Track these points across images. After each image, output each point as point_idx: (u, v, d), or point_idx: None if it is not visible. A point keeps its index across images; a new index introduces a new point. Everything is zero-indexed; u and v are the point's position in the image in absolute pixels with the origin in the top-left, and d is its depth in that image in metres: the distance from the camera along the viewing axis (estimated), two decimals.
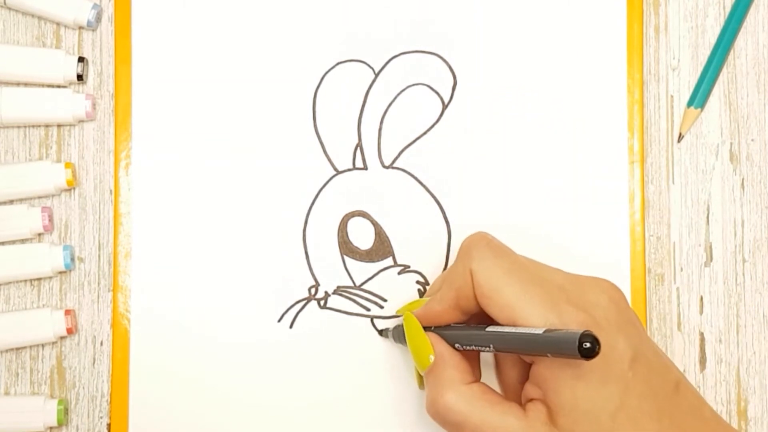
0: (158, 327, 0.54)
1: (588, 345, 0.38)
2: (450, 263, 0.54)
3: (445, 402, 0.44)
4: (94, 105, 0.54)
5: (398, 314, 0.53)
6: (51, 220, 0.54)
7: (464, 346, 0.46)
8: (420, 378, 0.51)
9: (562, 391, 0.41)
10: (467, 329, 0.46)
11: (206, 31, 0.55)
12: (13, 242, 0.54)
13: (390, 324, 0.54)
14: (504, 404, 0.44)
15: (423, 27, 0.55)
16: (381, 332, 0.54)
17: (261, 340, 0.54)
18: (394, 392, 0.54)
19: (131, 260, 0.54)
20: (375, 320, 0.54)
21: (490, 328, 0.44)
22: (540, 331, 0.41)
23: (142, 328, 0.54)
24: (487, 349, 0.44)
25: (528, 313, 0.42)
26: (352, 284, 0.54)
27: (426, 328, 0.48)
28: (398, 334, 0.52)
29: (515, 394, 0.46)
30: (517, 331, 0.42)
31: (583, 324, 0.41)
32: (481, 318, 0.46)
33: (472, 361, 0.47)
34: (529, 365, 0.44)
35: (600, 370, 0.41)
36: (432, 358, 0.46)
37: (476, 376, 0.47)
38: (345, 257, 0.54)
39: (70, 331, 0.53)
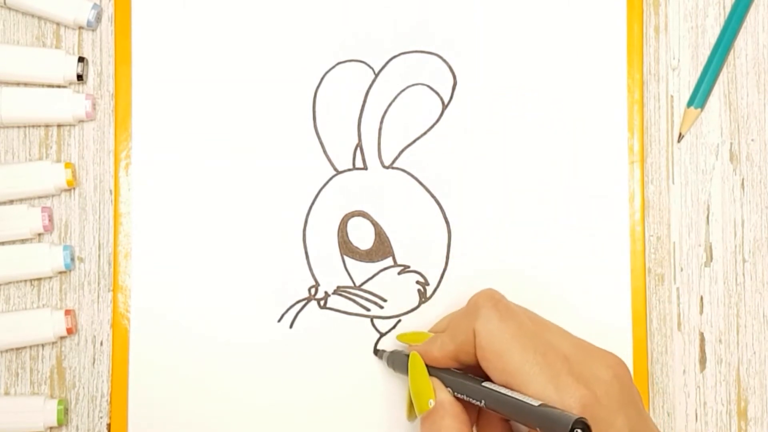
0: (158, 327, 0.54)
1: None
2: (450, 263, 0.54)
3: None
4: (94, 105, 0.54)
5: (398, 340, 0.52)
6: (51, 220, 0.54)
7: (457, 393, 0.46)
8: (410, 409, 0.51)
9: None
10: (464, 378, 0.46)
11: (206, 31, 0.55)
12: (13, 242, 0.54)
13: (387, 343, 0.53)
14: None
15: (423, 27, 0.55)
16: (376, 352, 0.53)
17: (261, 340, 0.54)
18: (394, 392, 0.53)
19: (131, 260, 0.54)
20: (375, 320, 0.54)
21: (486, 384, 0.44)
22: (535, 404, 0.40)
23: (142, 328, 0.54)
24: (479, 403, 0.44)
25: (526, 382, 0.42)
26: (352, 284, 0.54)
27: (428, 367, 0.48)
28: (394, 362, 0.51)
29: None
30: (513, 396, 0.42)
31: (581, 400, 0.41)
32: (481, 369, 0.46)
33: (471, 413, 0.47)
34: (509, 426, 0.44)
35: None
36: (432, 403, 0.46)
37: (473, 428, 0.46)
38: (345, 257, 0.54)
39: (70, 331, 0.53)
